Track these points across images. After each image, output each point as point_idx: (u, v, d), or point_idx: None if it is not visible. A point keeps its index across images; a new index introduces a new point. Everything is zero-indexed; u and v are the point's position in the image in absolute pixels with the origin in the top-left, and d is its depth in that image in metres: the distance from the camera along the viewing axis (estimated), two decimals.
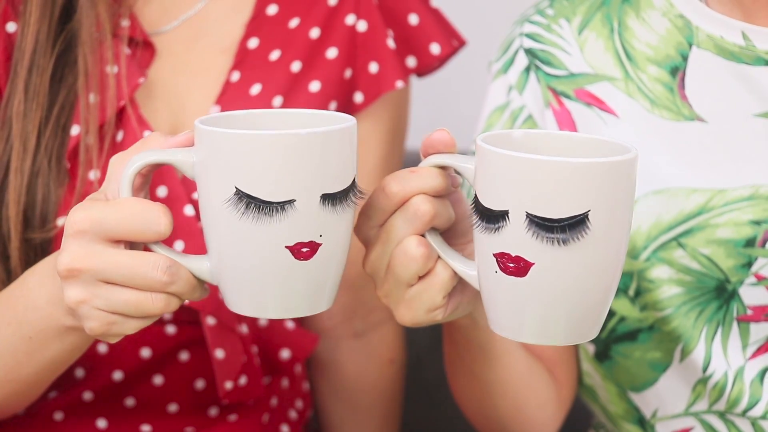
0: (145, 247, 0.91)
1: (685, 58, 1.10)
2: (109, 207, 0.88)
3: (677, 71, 1.10)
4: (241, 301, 0.90)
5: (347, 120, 0.89)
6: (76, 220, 0.87)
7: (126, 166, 0.88)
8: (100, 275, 0.88)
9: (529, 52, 1.17)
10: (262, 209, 0.85)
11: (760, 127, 1.06)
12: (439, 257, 0.91)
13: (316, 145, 0.85)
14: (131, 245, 0.90)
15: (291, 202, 0.85)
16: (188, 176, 0.89)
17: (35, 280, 0.98)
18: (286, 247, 0.86)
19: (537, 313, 0.87)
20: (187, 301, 0.95)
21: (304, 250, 0.87)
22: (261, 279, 0.88)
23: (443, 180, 0.90)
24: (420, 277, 0.91)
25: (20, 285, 1.00)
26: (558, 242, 0.83)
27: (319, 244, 0.87)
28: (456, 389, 1.16)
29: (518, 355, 1.10)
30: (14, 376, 1.03)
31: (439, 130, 0.90)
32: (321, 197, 0.86)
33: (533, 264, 0.84)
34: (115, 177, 0.90)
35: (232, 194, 0.85)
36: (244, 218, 0.86)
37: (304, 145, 0.85)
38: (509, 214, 0.84)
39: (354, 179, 0.89)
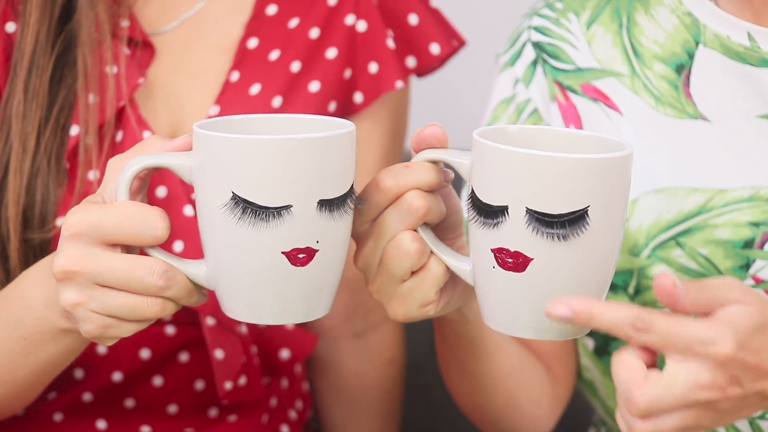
0: (142, 251, 0.90)
1: (691, 56, 1.10)
2: (107, 210, 0.88)
3: (683, 69, 1.10)
4: (238, 307, 0.90)
5: (345, 126, 0.89)
6: (73, 222, 0.88)
7: (124, 169, 0.88)
8: (95, 278, 0.88)
9: (537, 45, 1.17)
10: (259, 214, 0.85)
11: (763, 129, 1.06)
12: (431, 252, 0.91)
13: (312, 151, 0.85)
14: (128, 249, 0.90)
15: (287, 207, 0.85)
16: (186, 180, 0.89)
17: (31, 282, 0.98)
18: (283, 252, 0.86)
19: (533, 308, 0.87)
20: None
21: (301, 256, 0.87)
22: (257, 285, 0.88)
23: (436, 175, 0.90)
24: (413, 273, 0.91)
25: (16, 286, 1.00)
26: (558, 237, 0.84)
27: (316, 251, 0.87)
28: (450, 384, 1.17)
29: (510, 350, 1.10)
30: (11, 377, 1.03)
31: (431, 125, 0.90)
32: (318, 203, 0.86)
33: (532, 259, 0.85)
34: (112, 179, 0.90)
35: (229, 199, 0.85)
36: (241, 223, 0.86)
37: (300, 151, 0.85)
38: (509, 210, 0.84)
39: (352, 185, 0.89)
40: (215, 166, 0.86)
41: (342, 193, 0.87)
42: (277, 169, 0.85)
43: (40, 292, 0.96)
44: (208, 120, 0.90)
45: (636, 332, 0.81)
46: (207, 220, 0.88)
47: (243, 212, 0.85)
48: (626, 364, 0.82)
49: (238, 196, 0.85)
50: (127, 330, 0.90)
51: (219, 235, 0.87)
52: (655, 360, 0.83)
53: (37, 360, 1.01)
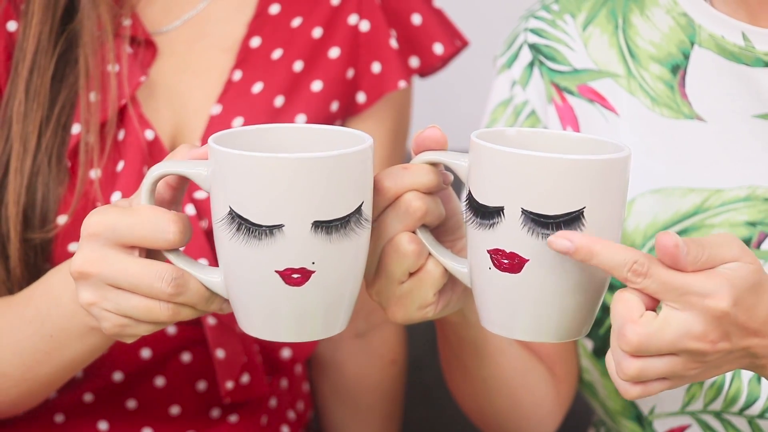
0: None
1: (686, 57, 1.10)
2: (123, 213, 0.89)
3: (678, 69, 1.10)
4: (248, 322, 0.90)
5: (357, 143, 0.88)
6: (91, 223, 0.89)
7: (145, 176, 0.89)
8: (108, 280, 0.89)
9: (534, 47, 1.17)
10: (252, 232, 0.85)
11: (759, 128, 1.06)
12: (430, 254, 0.91)
13: (305, 171, 0.84)
14: (149, 252, 0.90)
15: (279, 227, 0.85)
16: (204, 189, 0.89)
17: (59, 278, 0.99)
18: (276, 271, 0.86)
19: (529, 310, 0.87)
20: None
21: (295, 276, 0.86)
22: (253, 301, 0.88)
23: (435, 177, 0.90)
24: (411, 274, 0.91)
25: (43, 283, 1.01)
26: None
27: (312, 272, 0.86)
28: (452, 386, 1.17)
29: (512, 352, 1.10)
30: (32, 375, 1.04)
31: (430, 127, 0.90)
32: (312, 224, 0.85)
33: (528, 260, 0.85)
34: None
35: (227, 214, 0.86)
36: (235, 239, 0.86)
37: (292, 171, 0.84)
38: (504, 210, 0.84)
39: (359, 206, 0.87)
40: (218, 179, 0.86)
41: (342, 215, 0.86)
42: (268, 187, 0.84)
43: (70, 289, 0.97)
44: (229, 131, 0.90)
45: (634, 275, 0.82)
46: (214, 231, 0.88)
47: (238, 228, 0.85)
48: (624, 301, 0.84)
49: (234, 212, 0.85)
50: (144, 330, 0.91)
51: (221, 248, 0.88)
52: (655, 306, 0.84)
53: (60, 358, 1.01)
